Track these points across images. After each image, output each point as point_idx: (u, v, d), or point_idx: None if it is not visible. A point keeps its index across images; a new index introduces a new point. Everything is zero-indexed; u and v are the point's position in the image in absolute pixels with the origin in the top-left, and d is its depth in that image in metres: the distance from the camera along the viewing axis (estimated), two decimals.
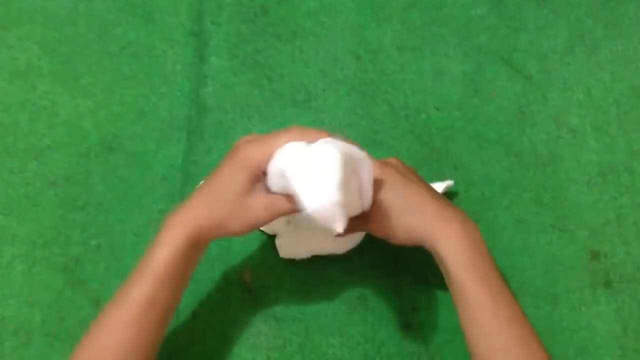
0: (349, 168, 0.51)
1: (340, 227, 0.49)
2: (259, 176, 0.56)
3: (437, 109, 0.76)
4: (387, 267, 0.70)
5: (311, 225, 0.64)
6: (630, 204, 0.73)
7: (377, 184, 0.56)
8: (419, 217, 0.56)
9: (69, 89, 0.76)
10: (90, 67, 0.77)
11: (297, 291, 0.69)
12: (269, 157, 0.55)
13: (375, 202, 0.57)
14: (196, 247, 0.56)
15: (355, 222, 0.56)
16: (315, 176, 0.49)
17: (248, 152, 0.55)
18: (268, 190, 0.56)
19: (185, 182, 0.72)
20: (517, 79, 0.78)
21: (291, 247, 0.68)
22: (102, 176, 0.72)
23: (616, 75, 0.78)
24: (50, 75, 0.76)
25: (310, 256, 0.69)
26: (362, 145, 0.54)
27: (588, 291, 0.70)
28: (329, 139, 0.51)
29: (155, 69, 0.77)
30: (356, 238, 0.68)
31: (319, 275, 0.69)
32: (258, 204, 0.56)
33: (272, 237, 0.70)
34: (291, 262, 0.69)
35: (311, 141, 0.52)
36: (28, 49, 0.77)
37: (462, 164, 0.74)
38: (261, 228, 0.70)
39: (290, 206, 0.55)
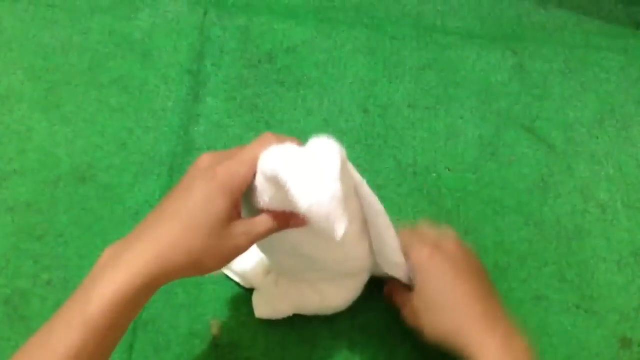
0: (347, 173, 0.49)
1: (341, 229, 0.45)
2: (239, 200, 0.53)
3: (449, 170, 0.75)
4: (380, 333, 0.65)
5: (294, 271, 0.61)
6: None
7: (423, 271, 0.56)
8: (457, 321, 0.54)
9: (48, 116, 0.76)
10: (75, 96, 0.77)
11: (273, 352, 0.63)
12: (251, 176, 0.52)
13: (416, 290, 0.56)
14: (151, 292, 0.48)
15: None
16: (312, 169, 0.46)
17: (229, 174, 0.49)
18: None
19: None
20: (539, 147, 0.77)
21: (270, 303, 0.63)
22: (68, 207, 0.70)
23: None
24: (30, 101, 0.76)
25: (291, 314, 0.64)
26: None
27: None
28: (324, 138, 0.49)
29: (145, 104, 0.77)
30: (348, 296, 0.64)
31: (300, 334, 0.64)
32: (237, 231, 0.50)
33: (248, 290, 0.66)
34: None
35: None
36: (12, 74, 0.78)
37: (474, 229, 0.71)
38: (238, 280, 0.66)
39: (270, 225, 0.52)
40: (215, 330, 0.64)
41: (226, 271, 0.66)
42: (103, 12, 0.84)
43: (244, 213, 0.53)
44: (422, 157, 0.75)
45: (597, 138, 0.78)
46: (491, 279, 0.68)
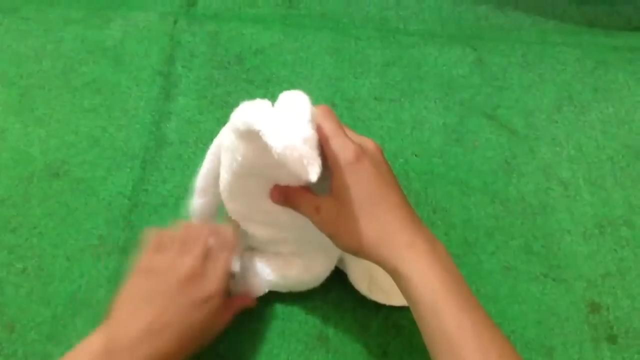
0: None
1: (314, 172, 0.46)
2: None
3: (415, 155, 0.77)
4: (354, 307, 0.66)
5: (268, 243, 0.63)
6: (632, 257, 0.71)
7: (347, 174, 0.51)
8: (382, 229, 0.51)
9: (22, 118, 0.78)
10: (48, 100, 0.80)
11: (248, 327, 0.64)
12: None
13: (336, 194, 0.52)
14: None
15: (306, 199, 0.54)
16: (284, 116, 0.48)
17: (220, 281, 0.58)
18: None
19: (132, 209, 0.71)
20: (501, 132, 0.80)
21: (244, 279, 0.65)
22: (42, 200, 0.71)
23: (608, 134, 0.81)
24: (4, 105, 0.79)
25: (266, 291, 0.66)
26: None
27: (589, 345, 0.65)
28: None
29: (117, 104, 0.79)
30: (321, 272, 0.65)
31: (274, 310, 0.65)
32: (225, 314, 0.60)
33: None
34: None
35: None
36: None
37: (442, 208, 0.73)
38: None
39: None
40: None
41: None
42: (75, 23, 0.87)
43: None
44: (390, 145, 0.78)
45: (557, 122, 0.82)
46: (460, 253, 0.71)
